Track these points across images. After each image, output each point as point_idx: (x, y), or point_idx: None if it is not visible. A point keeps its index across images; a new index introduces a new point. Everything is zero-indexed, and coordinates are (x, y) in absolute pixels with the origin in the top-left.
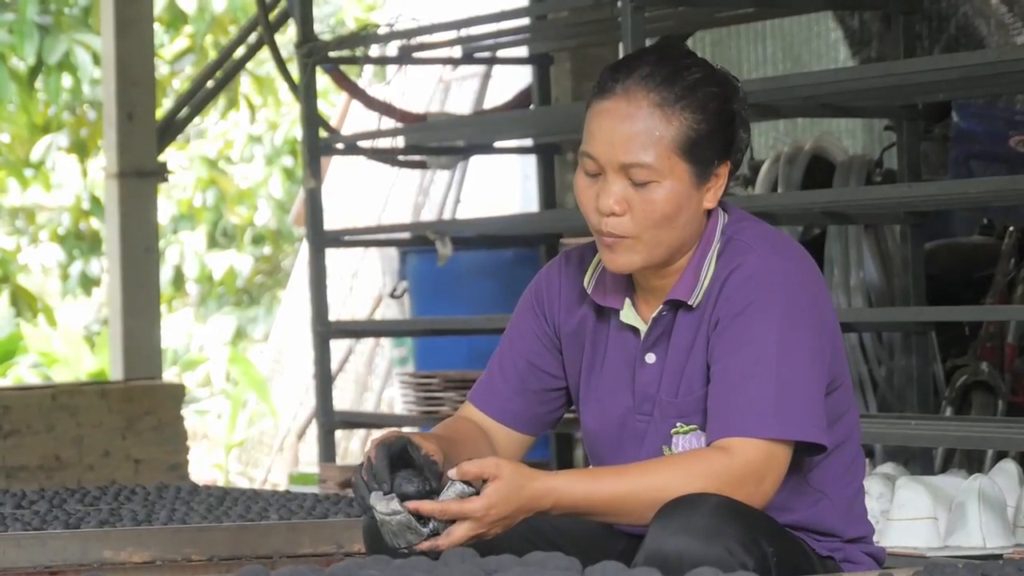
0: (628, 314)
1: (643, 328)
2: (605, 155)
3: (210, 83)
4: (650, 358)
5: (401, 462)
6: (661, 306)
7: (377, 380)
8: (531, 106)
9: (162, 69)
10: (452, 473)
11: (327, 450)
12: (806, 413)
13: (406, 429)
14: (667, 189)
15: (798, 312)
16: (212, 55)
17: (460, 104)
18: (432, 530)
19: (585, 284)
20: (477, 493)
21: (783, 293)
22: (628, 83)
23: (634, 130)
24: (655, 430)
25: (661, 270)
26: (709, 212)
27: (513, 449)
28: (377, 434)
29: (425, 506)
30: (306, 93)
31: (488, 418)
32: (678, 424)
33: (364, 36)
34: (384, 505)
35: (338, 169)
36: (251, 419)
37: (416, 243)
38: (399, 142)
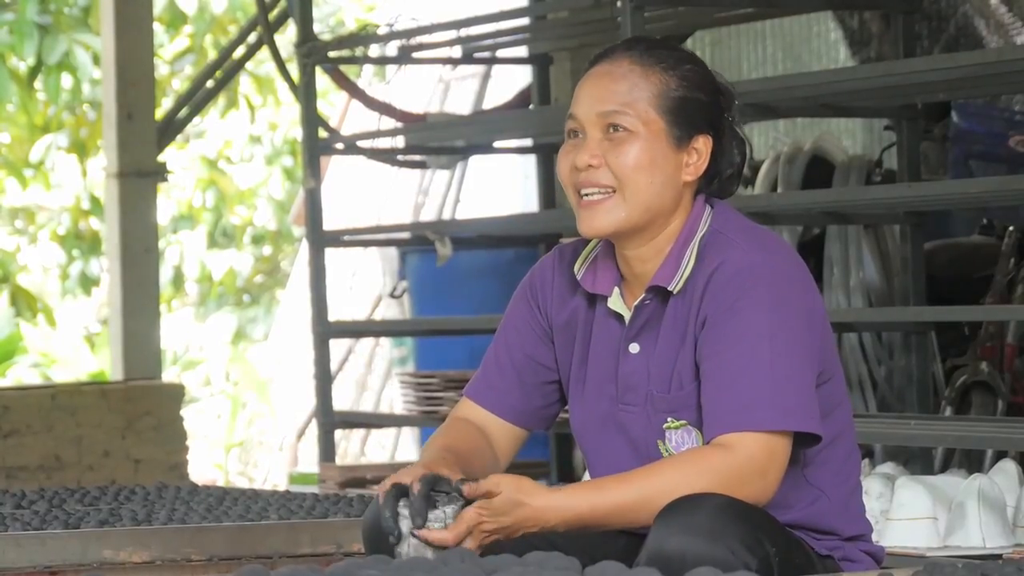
0: (616, 301)
1: (627, 315)
2: (585, 110)
3: (210, 83)
4: (634, 348)
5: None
6: (644, 294)
7: (377, 380)
8: (531, 106)
9: (162, 69)
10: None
11: (327, 450)
12: (800, 404)
13: (406, 429)
14: (642, 141)
15: (786, 306)
16: (212, 55)
17: (460, 104)
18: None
19: (575, 270)
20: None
21: (770, 288)
22: (612, 53)
23: (613, 84)
24: (647, 424)
25: (641, 250)
26: (695, 195)
27: (509, 443)
28: (377, 433)
29: (434, 535)
30: (306, 93)
31: (485, 411)
32: (669, 419)
33: (364, 36)
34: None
35: (338, 169)
36: (251, 419)
37: (416, 243)
38: (399, 142)
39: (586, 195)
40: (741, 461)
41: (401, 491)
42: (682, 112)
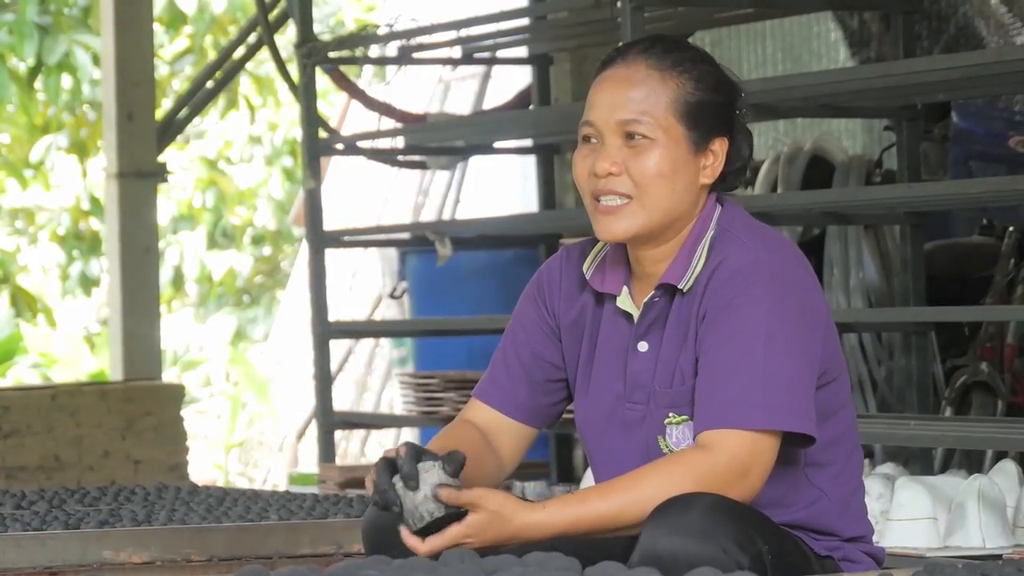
0: (624, 300)
1: (636, 314)
2: (603, 117)
3: (210, 83)
4: (642, 346)
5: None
6: (653, 292)
7: (377, 380)
8: (531, 106)
9: (162, 69)
10: (442, 494)
11: (327, 450)
12: (793, 404)
13: (406, 430)
14: (663, 149)
15: (785, 305)
16: (212, 55)
17: (460, 104)
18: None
19: (584, 269)
20: (452, 474)
21: (770, 286)
22: (627, 55)
23: (632, 91)
24: (649, 419)
25: (656, 251)
26: (708, 194)
27: (517, 443)
28: (377, 433)
29: (411, 540)
30: (306, 93)
31: (493, 410)
32: (670, 414)
33: (364, 36)
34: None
35: (338, 169)
36: (251, 419)
37: (416, 243)
38: (399, 142)
39: (605, 201)
40: (723, 462)
41: (391, 464)
42: (700, 116)
